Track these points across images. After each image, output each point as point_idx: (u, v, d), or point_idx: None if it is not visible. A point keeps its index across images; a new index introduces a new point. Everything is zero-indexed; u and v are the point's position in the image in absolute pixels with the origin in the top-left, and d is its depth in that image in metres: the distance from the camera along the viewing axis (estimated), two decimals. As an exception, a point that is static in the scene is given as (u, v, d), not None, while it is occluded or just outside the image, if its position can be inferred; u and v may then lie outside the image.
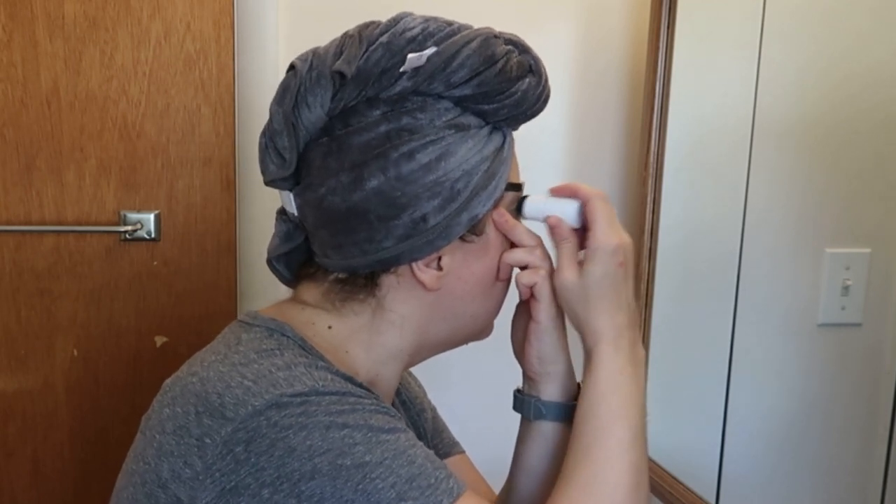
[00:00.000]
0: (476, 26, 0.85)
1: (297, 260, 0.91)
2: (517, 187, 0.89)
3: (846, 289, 1.43)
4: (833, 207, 1.45)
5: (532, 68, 0.86)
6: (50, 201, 1.61)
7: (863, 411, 1.40)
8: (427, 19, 0.82)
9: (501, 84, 0.83)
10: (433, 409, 1.12)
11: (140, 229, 1.63)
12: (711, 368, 1.58)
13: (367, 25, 0.83)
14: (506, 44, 0.84)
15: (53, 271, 1.62)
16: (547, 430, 0.92)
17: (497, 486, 1.04)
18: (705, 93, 1.62)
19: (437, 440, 1.09)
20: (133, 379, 1.67)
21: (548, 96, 0.88)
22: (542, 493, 0.91)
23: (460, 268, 0.86)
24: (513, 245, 0.89)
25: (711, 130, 1.61)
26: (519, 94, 0.84)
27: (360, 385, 0.79)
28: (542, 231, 0.89)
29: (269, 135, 0.84)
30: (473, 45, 0.81)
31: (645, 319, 1.62)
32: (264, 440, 0.70)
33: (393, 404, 0.97)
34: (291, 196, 0.86)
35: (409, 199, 0.80)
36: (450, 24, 0.83)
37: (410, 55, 0.79)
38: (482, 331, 0.93)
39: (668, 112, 1.59)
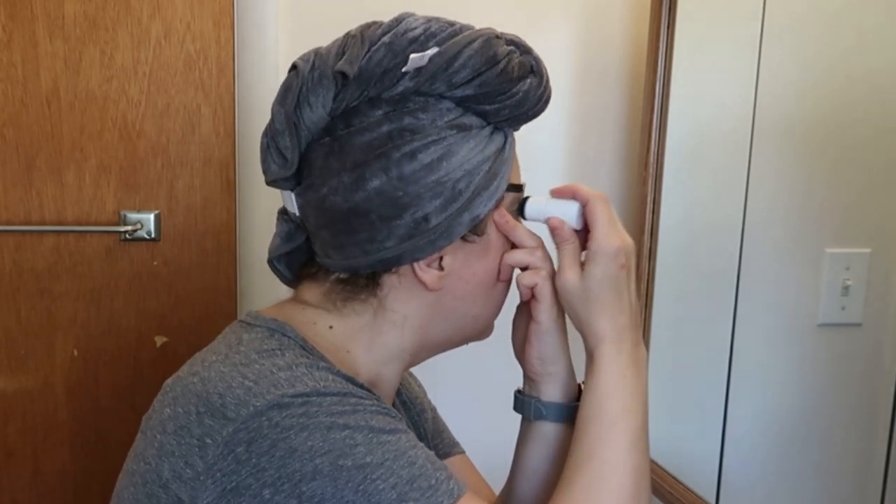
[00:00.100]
0: (477, 27, 0.85)
1: (297, 260, 0.91)
2: (518, 188, 0.89)
3: (846, 289, 1.43)
4: (833, 207, 1.45)
5: (533, 69, 0.86)
6: (50, 201, 1.61)
7: (863, 411, 1.40)
8: (429, 20, 0.82)
9: (503, 84, 0.83)
10: (433, 410, 1.12)
11: (140, 229, 1.63)
12: (711, 368, 1.58)
13: (369, 26, 0.83)
14: (507, 44, 0.84)
15: (53, 271, 1.62)
16: (547, 430, 0.92)
17: (497, 486, 1.04)
18: (705, 93, 1.62)
19: (438, 440, 1.08)
20: (133, 379, 1.68)
21: (549, 97, 0.88)
22: (543, 494, 0.91)
23: (462, 268, 0.86)
24: (513, 246, 0.89)
25: (711, 130, 1.61)
26: (520, 94, 0.84)
27: (362, 385, 0.79)
28: (542, 232, 0.89)
29: (270, 135, 0.84)
30: (475, 45, 0.81)
31: (645, 319, 1.62)
32: (265, 440, 0.70)
33: (393, 404, 0.97)
34: (293, 196, 0.86)
35: (410, 199, 0.80)
36: (452, 24, 0.83)
37: (413, 55, 0.79)
38: (483, 331, 0.93)
39: (668, 112, 1.59)
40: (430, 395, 1.13)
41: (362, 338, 0.87)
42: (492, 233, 0.87)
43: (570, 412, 0.89)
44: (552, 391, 0.92)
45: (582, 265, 0.85)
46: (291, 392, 0.72)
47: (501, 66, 0.82)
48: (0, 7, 1.54)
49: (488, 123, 0.85)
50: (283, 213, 0.91)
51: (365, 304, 0.86)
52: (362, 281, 0.86)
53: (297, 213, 0.87)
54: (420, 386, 1.13)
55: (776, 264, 1.51)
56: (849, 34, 1.40)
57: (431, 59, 0.80)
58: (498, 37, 0.84)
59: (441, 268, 0.85)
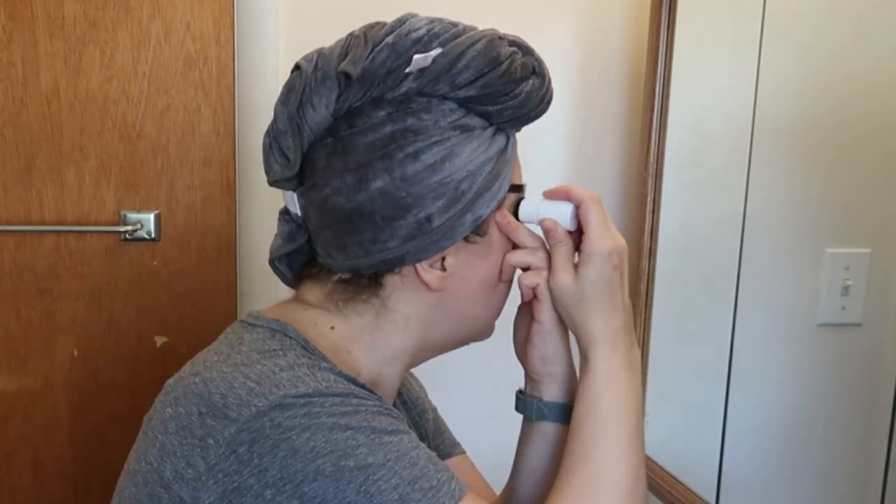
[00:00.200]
0: (479, 27, 0.85)
1: (299, 260, 0.91)
2: (520, 188, 0.89)
3: (846, 289, 1.43)
4: (833, 207, 1.45)
5: (536, 70, 0.86)
6: (50, 201, 1.60)
7: (863, 411, 1.40)
8: (432, 20, 0.82)
9: (506, 85, 0.83)
10: (434, 410, 1.12)
11: (140, 229, 1.63)
12: (711, 368, 1.58)
13: (372, 26, 0.83)
14: (510, 45, 0.84)
15: (53, 271, 1.62)
16: (549, 430, 0.93)
17: (498, 486, 1.04)
18: (705, 93, 1.62)
19: (439, 441, 1.09)
20: (133, 379, 1.67)
21: (551, 98, 0.88)
22: (544, 494, 0.91)
23: (464, 268, 0.86)
24: (515, 246, 0.89)
25: (711, 130, 1.61)
26: (523, 95, 0.84)
27: (363, 386, 0.79)
28: (539, 233, 0.89)
29: (273, 135, 0.84)
30: (478, 46, 0.81)
31: (645, 319, 1.62)
32: (267, 441, 0.70)
33: (394, 405, 0.97)
34: (295, 196, 0.86)
35: (413, 199, 0.80)
36: (455, 25, 0.83)
37: (416, 56, 0.79)
38: (484, 331, 0.94)
39: (668, 112, 1.59)
40: (430, 396, 1.14)
41: (364, 338, 0.87)
42: (494, 233, 0.87)
43: (572, 412, 0.89)
44: (554, 391, 0.92)
45: (575, 266, 0.85)
46: (294, 393, 0.72)
47: (504, 67, 0.82)
48: (0, 7, 1.54)
49: (491, 124, 0.85)
50: (285, 213, 0.91)
51: (367, 305, 0.86)
52: (364, 281, 0.86)
53: (299, 214, 0.87)
54: (421, 386, 1.13)
55: (776, 264, 1.51)
56: (848, 34, 1.40)
57: (435, 59, 0.80)
58: (501, 38, 0.84)
59: (443, 268, 0.85)
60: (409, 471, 0.72)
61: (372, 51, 0.79)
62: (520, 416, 0.96)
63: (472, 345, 0.95)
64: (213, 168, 1.65)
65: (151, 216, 1.64)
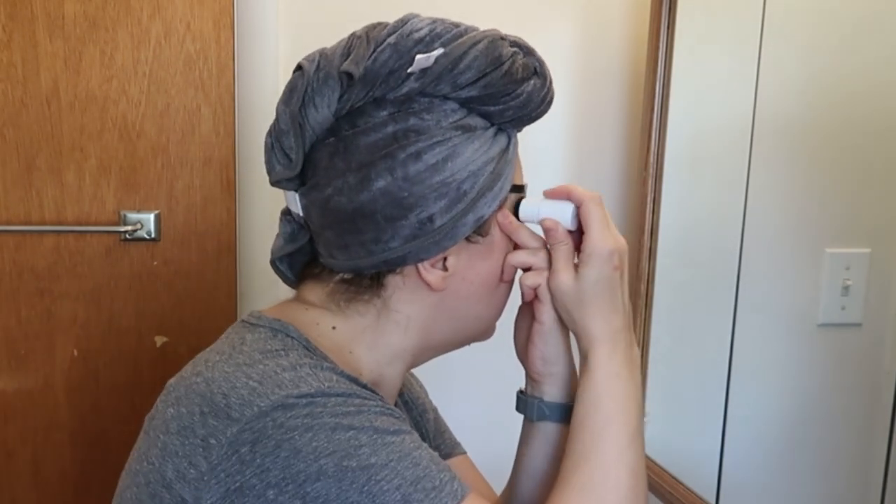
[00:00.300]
0: (481, 28, 0.85)
1: (300, 260, 0.91)
2: (521, 189, 0.89)
3: (846, 289, 1.43)
4: (833, 207, 1.45)
5: (537, 70, 0.86)
6: (50, 201, 1.61)
7: (863, 411, 1.40)
8: (434, 21, 0.82)
9: (507, 86, 0.83)
10: (435, 410, 1.12)
11: (140, 229, 1.63)
12: (711, 368, 1.58)
13: (374, 26, 0.83)
14: (511, 46, 0.84)
15: (53, 271, 1.62)
16: (550, 431, 0.93)
17: (498, 487, 1.04)
18: (705, 93, 1.62)
19: (440, 441, 1.09)
20: (133, 379, 1.68)
21: (552, 98, 0.88)
22: (544, 494, 0.91)
23: (465, 269, 0.86)
24: (516, 246, 0.89)
25: (711, 130, 1.61)
26: (524, 95, 0.84)
27: (365, 386, 0.79)
28: (539, 233, 0.89)
29: (275, 135, 0.84)
30: (480, 46, 0.81)
31: (645, 319, 1.63)
32: (270, 441, 0.70)
33: (396, 405, 0.97)
34: (296, 196, 0.87)
35: (416, 199, 0.81)
36: (457, 25, 0.83)
37: (419, 56, 0.79)
38: (485, 332, 0.94)
39: (668, 112, 1.59)
40: (431, 396, 1.14)
41: (365, 338, 0.87)
42: (495, 233, 0.87)
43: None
44: (555, 391, 0.92)
45: (575, 266, 0.85)
46: (296, 393, 0.72)
47: (506, 67, 0.82)
48: (0, 7, 1.54)
49: (492, 124, 0.85)
50: (287, 213, 0.91)
51: (368, 305, 0.87)
52: (366, 281, 0.86)
53: (301, 214, 0.87)
54: (421, 386, 1.13)
55: (776, 264, 1.51)
56: (849, 34, 1.40)
57: (437, 59, 0.80)
58: (502, 38, 0.84)
59: (445, 268, 0.85)
60: (412, 471, 0.72)
61: (374, 51, 0.79)
62: (520, 417, 0.96)
63: (473, 345, 0.95)
64: (213, 168, 1.65)
65: (151, 216, 1.64)
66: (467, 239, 0.85)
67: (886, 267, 1.40)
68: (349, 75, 0.79)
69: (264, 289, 1.67)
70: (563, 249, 0.86)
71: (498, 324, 0.94)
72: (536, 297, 0.89)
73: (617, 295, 0.85)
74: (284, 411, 0.71)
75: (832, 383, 1.45)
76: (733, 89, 1.55)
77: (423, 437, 1.05)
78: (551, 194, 0.89)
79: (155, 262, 1.66)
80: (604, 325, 0.84)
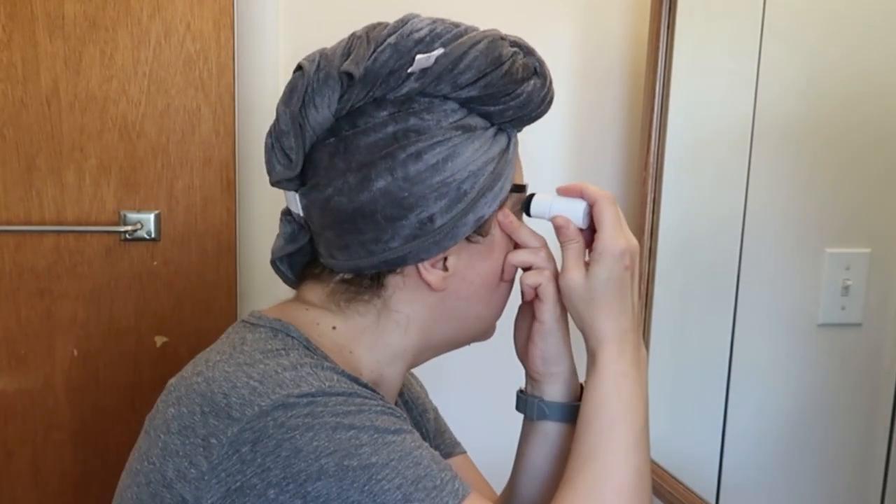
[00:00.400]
0: (481, 28, 0.85)
1: (300, 261, 0.91)
2: (521, 188, 0.89)
3: (846, 289, 1.43)
4: (833, 207, 1.45)
5: (537, 70, 0.86)
6: (50, 201, 1.60)
7: (863, 411, 1.40)
8: (434, 21, 0.82)
9: (507, 86, 0.83)
10: (435, 410, 1.12)
11: (140, 229, 1.63)
12: (711, 368, 1.58)
13: (374, 27, 0.83)
14: (511, 46, 0.84)
15: (53, 271, 1.62)
16: (550, 430, 0.93)
17: (498, 486, 1.04)
18: (705, 93, 1.62)
19: (440, 440, 1.09)
20: (133, 379, 1.67)
21: (552, 98, 0.88)
22: (545, 494, 0.92)
23: (466, 268, 0.86)
24: (517, 246, 0.89)
25: (711, 130, 1.61)
26: (524, 95, 0.84)
27: (366, 385, 0.80)
28: (545, 231, 0.89)
29: (275, 135, 0.84)
30: (480, 46, 0.81)
31: (645, 319, 1.63)
32: (271, 440, 0.70)
33: (396, 404, 0.97)
34: (297, 196, 0.87)
35: (416, 199, 0.81)
36: (457, 25, 0.83)
37: (419, 56, 0.79)
38: (485, 331, 0.94)
39: (668, 112, 1.59)
40: (431, 396, 1.14)
41: (365, 338, 0.87)
42: (496, 233, 0.87)
43: (573, 412, 0.89)
44: (555, 391, 0.92)
45: (586, 265, 0.85)
46: (297, 392, 0.73)
47: (506, 67, 0.82)
48: (0, 7, 1.54)
49: (492, 124, 0.85)
50: (287, 213, 0.91)
51: (368, 305, 0.87)
52: (366, 281, 0.86)
53: (301, 214, 0.87)
54: (421, 386, 1.13)
55: (776, 264, 1.51)
56: (849, 34, 1.40)
57: (437, 59, 0.80)
58: (503, 38, 0.84)
59: (445, 268, 0.85)
60: (413, 470, 0.72)
61: (374, 51, 0.80)
62: (520, 416, 0.96)
63: (473, 345, 0.95)
64: (213, 168, 1.65)
65: (151, 216, 1.64)
66: (467, 239, 0.85)
67: (886, 267, 1.40)
68: (349, 75, 0.79)
69: (264, 289, 1.67)
70: (574, 247, 0.86)
71: (498, 323, 0.94)
72: (537, 296, 0.89)
73: (627, 295, 0.85)
74: (285, 410, 0.71)
75: (832, 383, 1.45)
76: (733, 89, 1.55)
77: (424, 437, 1.05)
78: (564, 191, 0.89)
79: (155, 262, 1.66)
80: (613, 324, 0.84)
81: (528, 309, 0.92)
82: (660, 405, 1.62)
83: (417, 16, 0.83)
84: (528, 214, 0.90)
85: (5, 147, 1.57)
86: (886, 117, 1.34)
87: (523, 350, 0.93)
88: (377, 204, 0.81)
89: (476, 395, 1.71)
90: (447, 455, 1.07)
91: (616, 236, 0.84)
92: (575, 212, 0.87)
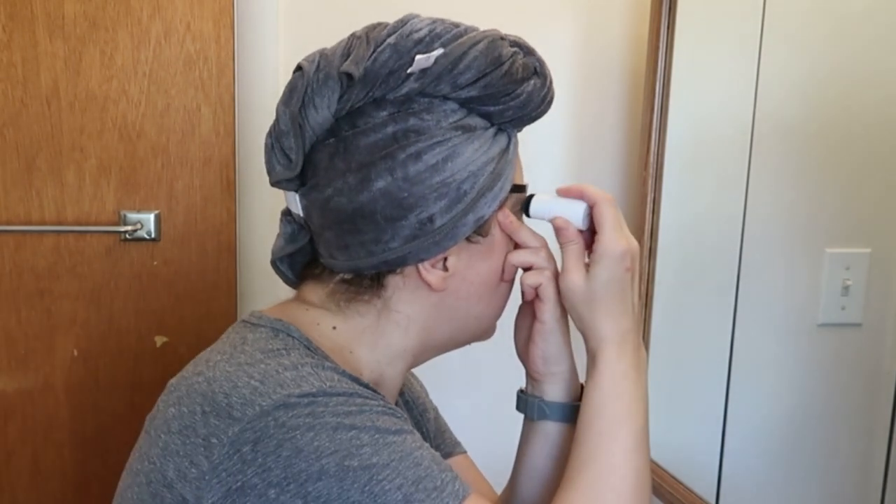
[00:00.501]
0: (481, 28, 0.85)
1: (300, 261, 0.91)
2: (521, 188, 0.89)
3: (846, 289, 1.43)
4: (833, 207, 1.45)
5: (537, 70, 0.86)
6: (50, 201, 1.60)
7: (863, 411, 1.40)
8: (434, 21, 0.82)
9: (507, 86, 0.83)
10: (435, 410, 1.12)
11: (140, 229, 1.63)
12: (711, 368, 1.58)
13: (374, 27, 0.83)
14: (511, 46, 0.84)
15: (53, 271, 1.62)
16: (550, 430, 0.93)
17: (498, 486, 1.04)
18: (705, 93, 1.62)
19: (440, 440, 1.09)
20: (133, 379, 1.68)
21: (552, 98, 0.88)
22: (545, 494, 0.92)
23: (466, 269, 0.86)
24: (517, 246, 0.89)
25: (711, 130, 1.61)
26: (524, 95, 0.84)
27: (367, 385, 0.80)
28: (544, 231, 0.89)
29: (275, 135, 0.84)
30: (480, 46, 0.81)
31: (645, 319, 1.63)
32: (271, 440, 0.70)
33: (396, 404, 0.97)
34: (297, 197, 0.87)
35: (416, 199, 0.81)
36: (457, 25, 0.83)
37: (418, 56, 0.79)
38: (485, 331, 0.94)
39: (668, 112, 1.59)
40: (432, 395, 1.14)
41: (366, 338, 0.87)
42: (496, 233, 0.87)
43: (574, 412, 0.89)
44: (555, 391, 0.92)
45: (586, 266, 0.85)
46: (297, 392, 0.72)
47: (506, 67, 0.82)
48: (0, 7, 1.54)
49: (492, 124, 0.85)
50: (287, 213, 0.91)
51: (368, 305, 0.87)
52: (366, 282, 0.86)
53: (301, 214, 0.87)
54: (422, 386, 1.13)
55: (776, 264, 1.51)
56: (849, 33, 1.40)
57: (437, 60, 0.80)
58: (502, 38, 0.84)
59: (445, 268, 0.85)
60: (413, 471, 0.72)
61: (374, 51, 0.79)
62: (520, 416, 0.96)
63: (473, 344, 0.95)
64: (213, 168, 1.65)
65: (151, 216, 1.64)
66: (467, 239, 0.85)
67: (886, 267, 1.40)
68: (349, 76, 0.79)
69: (264, 289, 1.67)
70: (574, 249, 0.86)
71: (498, 323, 0.94)
72: (537, 296, 0.89)
73: (627, 296, 0.85)
74: (286, 410, 0.71)
75: (832, 383, 1.45)
76: (733, 89, 1.55)
77: (424, 437, 1.05)
78: (565, 192, 0.89)
79: (155, 262, 1.66)
80: (613, 325, 0.84)
81: (529, 309, 0.92)
82: (660, 405, 1.62)
83: (417, 16, 0.83)
84: (528, 215, 0.90)
85: (5, 147, 1.58)
86: (887, 117, 1.34)
87: (524, 350, 0.93)
88: (377, 204, 0.81)
89: (476, 395, 1.71)
90: (448, 455, 1.07)
91: (616, 238, 0.84)
92: (575, 213, 0.87)
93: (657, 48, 1.59)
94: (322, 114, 0.81)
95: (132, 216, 1.63)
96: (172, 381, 0.82)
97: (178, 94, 1.62)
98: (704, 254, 1.64)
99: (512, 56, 0.83)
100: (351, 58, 0.80)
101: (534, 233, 0.89)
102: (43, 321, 1.63)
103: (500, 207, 0.86)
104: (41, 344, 1.64)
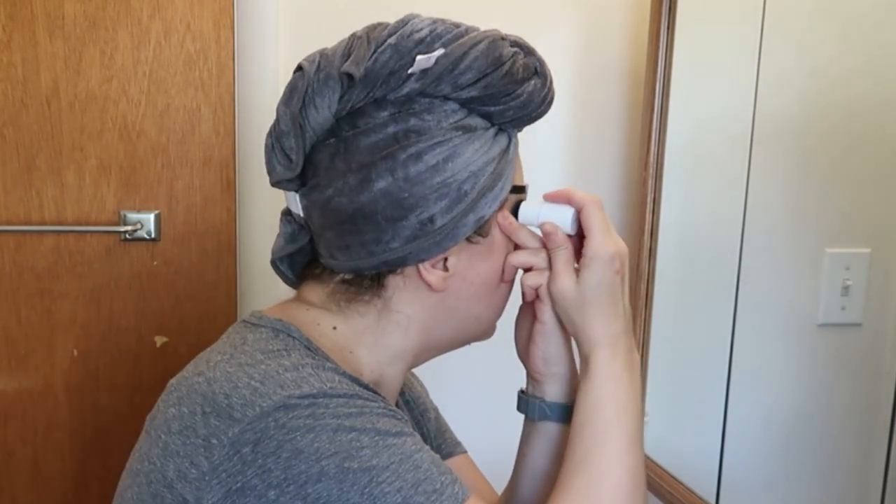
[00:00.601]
0: (481, 28, 0.85)
1: (300, 261, 0.91)
2: (521, 189, 0.89)
3: (846, 289, 1.43)
4: (833, 207, 1.45)
5: (538, 70, 0.86)
6: (50, 201, 1.60)
7: (863, 411, 1.40)
8: (435, 21, 0.82)
9: (508, 86, 0.83)
10: (436, 410, 1.12)
11: (140, 229, 1.63)
12: (711, 368, 1.58)
13: (374, 27, 0.83)
14: (512, 46, 0.84)
15: (53, 271, 1.62)
16: (551, 430, 0.93)
17: (499, 486, 1.04)
18: (705, 93, 1.62)
19: (440, 440, 1.09)
20: (133, 379, 1.68)
21: (553, 98, 0.88)
22: (545, 494, 0.91)
23: (466, 269, 0.86)
24: (517, 247, 0.89)
25: (711, 130, 1.61)
26: (525, 95, 0.84)
27: (367, 386, 0.79)
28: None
29: (275, 136, 0.84)
30: (481, 46, 0.81)
31: (645, 319, 1.63)
32: (272, 441, 0.70)
33: (397, 404, 0.97)
34: (297, 197, 0.87)
35: (416, 200, 0.81)
36: (457, 25, 0.83)
37: (419, 56, 0.79)
38: (485, 332, 0.94)
39: (668, 112, 1.59)
40: (432, 396, 1.14)
41: (366, 338, 0.87)
42: (496, 234, 0.87)
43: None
44: (556, 391, 0.92)
45: (576, 270, 0.86)
46: (298, 393, 0.72)
47: (506, 67, 0.82)
48: (0, 7, 1.54)
49: (493, 125, 0.85)
50: (287, 213, 0.91)
51: (369, 305, 0.87)
52: (367, 282, 0.86)
53: (302, 214, 0.87)
54: (422, 386, 1.13)
55: (776, 264, 1.51)
56: (849, 33, 1.40)
57: (437, 60, 0.80)
58: (503, 38, 0.84)
59: (446, 269, 0.85)
60: (413, 473, 0.72)
61: (374, 51, 0.79)
62: (520, 416, 0.96)
63: (474, 344, 0.95)
64: (213, 168, 1.65)
65: (151, 216, 1.64)
66: (468, 239, 0.85)
67: (886, 267, 1.40)
68: (349, 76, 0.79)
69: (264, 289, 1.67)
70: (563, 254, 0.86)
71: (498, 324, 0.94)
72: (538, 296, 0.89)
73: (618, 299, 0.85)
74: (286, 412, 0.71)
75: (832, 383, 1.45)
76: (733, 89, 1.55)
77: (425, 437, 1.06)
78: (551, 198, 0.89)
79: (155, 262, 1.66)
80: (605, 329, 0.84)
81: (529, 309, 0.92)
82: (660, 405, 1.63)
83: (418, 16, 0.83)
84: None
85: (5, 147, 1.58)
86: (886, 117, 1.34)
87: (524, 350, 0.93)
88: (377, 205, 0.81)
89: (476, 395, 1.71)
90: (448, 455, 1.07)
91: (605, 241, 0.84)
92: (563, 218, 0.87)
93: (657, 48, 1.59)
94: (322, 114, 0.81)
95: (132, 216, 1.63)
96: (172, 381, 0.82)
97: (178, 94, 1.62)
98: (704, 254, 1.64)
99: (512, 56, 0.83)
100: (352, 58, 0.80)
101: (534, 233, 0.89)
102: (43, 321, 1.63)
103: (501, 208, 0.86)
104: (41, 344, 1.64)
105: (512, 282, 0.91)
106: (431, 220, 0.81)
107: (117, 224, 1.63)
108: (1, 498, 1.66)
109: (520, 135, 0.90)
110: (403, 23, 0.82)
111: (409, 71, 0.80)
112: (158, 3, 1.59)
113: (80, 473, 1.68)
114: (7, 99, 1.56)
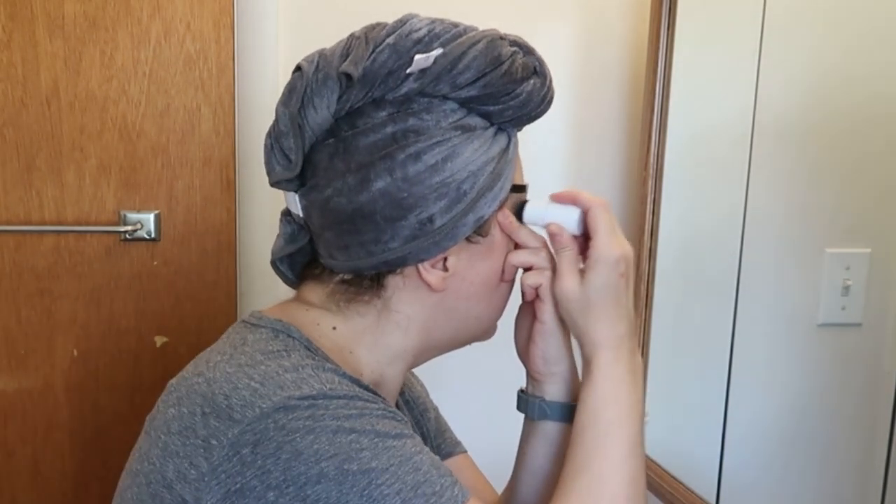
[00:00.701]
0: (480, 27, 0.85)
1: (300, 261, 0.91)
2: (521, 189, 0.89)
3: (846, 289, 1.43)
4: (833, 207, 1.45)
5: (537, 70, 0.86)
6: (50, 201, 1.60)
7: (863, 411, 1.40)
8: (433, 21, 0.82)
9: (507, 85, 0.83)
10: (435, 409, 1.12)
11: (140, 229, 1.63)
12: (711, 368, 1.58)
13: (373, 27, 0.83)
14: (511, 45, 0.84)
15: (53, 271, 1.62)
16: (551, 430, 0.93)
17: (498, 486, 1.04)
18: (705, 93, 1.62)
19: (440, 440, 1.09)
20: (133, 379, 1.68)
21: (552, 97, 0.88)
22: (545, 494, 0.91)
23: (466, 269, 0.86)
24: (517, 246, 0.89)
25: (711, 130, 1.61)
26: (524, 95, 0.84)
27: (367, 387, 0.79)
28: (544, 233, 0.89)
29: (274, 136, 0.84)
30: (479, 46, 0.81)
31: (645, 320, 1.63)
32: (271, 443, 0.70)
33: (397, 404, 0.97)
34: (296, 197, 0.86)
35: (415, 200, 0.81)
36: (456, 25, 0.83)
37: (418, 56, 0.79)
38: (486, 332, 0.94)
39: (668, 112, 1.59)
40: (432, 395, 1.14)
41: (366, 339, 0.87)
42: (496, 233, 0.87)
43: (574, 412, 0.89)
44: (556, 391, 0.92)
45: (580, 272, 0.85)
46: (298, 394, 0.72)
47: (505, 67, 0.82)
48: (0, 7, 1.54)
49: (492, 124, 0.85)
50: (287, 214, 0.91)
51: (368, 306, 0.86)
52: (366, 282, 0.86)
53: (301, 215, 0.87)
54: (422, 386, 1.13)
55: (776, 264, 1.51)
56: (849, 33, 1.40)
57: (436, 60, 0.80)
58: (502, 38, 0.84)
59: (445, 269, 0.85)
60: (412, 476, 0.72)
61: (373, 51, 0.79)
62: (520, 416, 0.96)
63: (474, 344, 0.95)
64: (213, 168, 1.65)
65: (151, 216, 1.64)
66: (467, 239, 0.85)
67: (886, 267, 1.40)
68: (348, 76, 0.79)
69: (264, 289, 1.67)
70: (568, 255, 0.86)
71: (498, 323, 0.94)
72: (538, 296, 0.89)
73: (622, 301, 0.85)
74: (286, 413, 0.71)
75: (832, 383, 1.45)
76: (733, 89, 1.55)
77: (424, 437, 1.06)
78: (558, 198, 0.89)
79: (155, 262, 1.66)
80: (608, 331, 0.84)
81: (529, 309, 0.92)
82: (660, 405, 1.62)
83: (416, 16, 0.83)
84: (521, 222, 0.90)
85: (5, 147, 1.58)
86: (887, 117, 1.34)
87: (524, 350, 0.93)
88: (376, 205, 0.81)
89: (476, 395, 1.71)
90: (448, 455, 1.07)
91: (611, 243, 0.84)
92: (569, 219, 0.87)
93: (657, 48, 1.59)
94: (321, 114, 0.81)
95: (132, 216, 1.63)
96: (172, 381, 0.82)
97: (178, 94, 1.62)
98: (704, 254, 1.64)
99: (511, 55, 0.83)
100: (350, 58, 0.79)
101: (534, 233, 0.89)
102: (43, 321, 1.63)
103: (500, 207, 0.86)
104: (41, 344, 1.64)
105: (512, 281, 0.91)
106: (431, 219, 0.81)
107: (117, 224, 1.63)
108: (1, 498, 1.66)
109: (519, 134, 0.90)
110: (402, 23, 0.82)
111: (408, 71, 0.80)
112: (158, 3, 1.59)
113: (80, 473, 1.68)
114: (7, 99, 1.56)
